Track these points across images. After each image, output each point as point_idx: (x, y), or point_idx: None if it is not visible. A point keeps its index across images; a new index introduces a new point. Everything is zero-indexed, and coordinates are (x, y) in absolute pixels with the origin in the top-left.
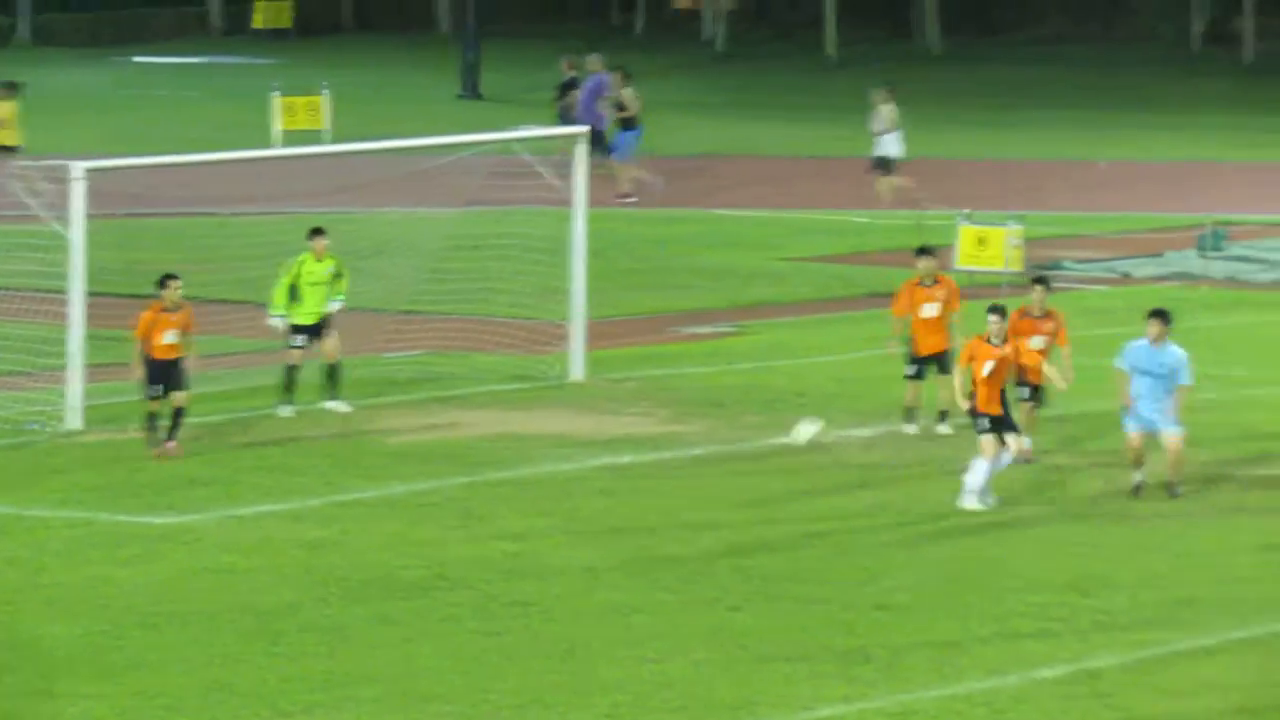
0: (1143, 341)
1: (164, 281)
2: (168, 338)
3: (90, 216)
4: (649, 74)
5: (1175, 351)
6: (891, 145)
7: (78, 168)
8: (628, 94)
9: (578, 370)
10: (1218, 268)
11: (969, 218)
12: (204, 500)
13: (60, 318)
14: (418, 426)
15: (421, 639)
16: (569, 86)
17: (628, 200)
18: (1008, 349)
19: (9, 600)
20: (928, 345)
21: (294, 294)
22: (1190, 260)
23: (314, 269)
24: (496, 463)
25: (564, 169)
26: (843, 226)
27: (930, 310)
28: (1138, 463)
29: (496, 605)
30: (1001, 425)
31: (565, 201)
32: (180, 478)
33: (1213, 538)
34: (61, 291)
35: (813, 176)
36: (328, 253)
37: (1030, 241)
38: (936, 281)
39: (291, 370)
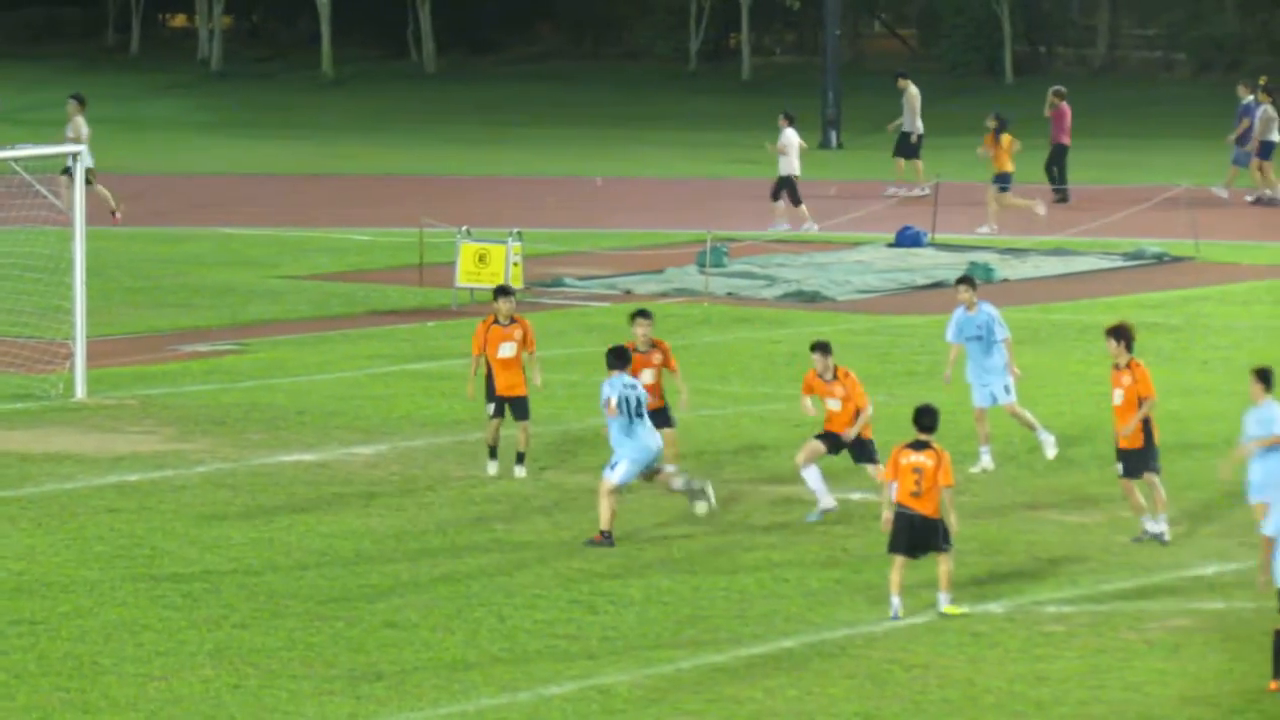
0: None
1: None
2: None
3: None
4: (145, 93)
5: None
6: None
7: None
8: None
9: (80, 389)
10: (718, 284)
11: (468, 235)
12: None
13: None
14: None
15: None
16: None
17: None
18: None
19: None
20: (504, 385)
21: None
22: (691, 276)
23: None
24: None
25: (62, 188)
26: (342, 244)
27: (507, 350)
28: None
29: (2, 624)
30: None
31: (64, 220)
32: None
33: (722, 556)
34: None
35: (312, 194)
36: None
37: (530, 258)
38: (513, 321)
39: None
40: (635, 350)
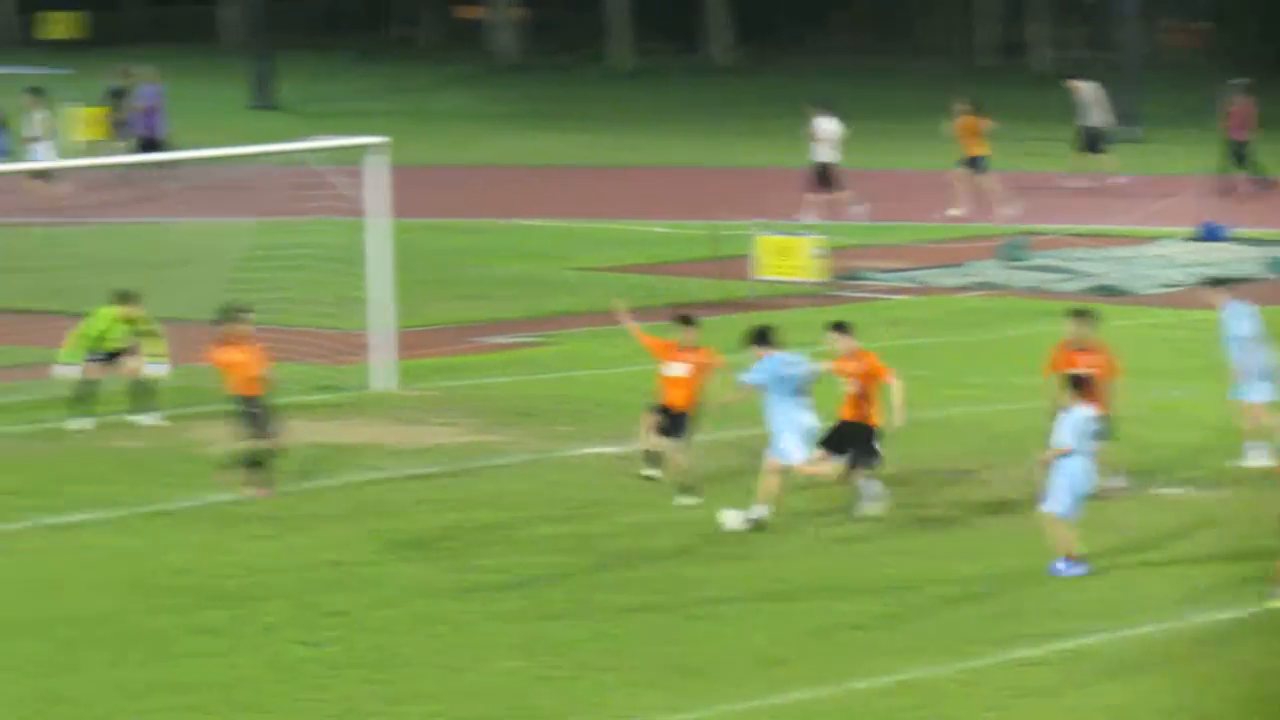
0: None
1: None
2: None
3: None
4: (434, 85)
5: None
6: (47, 152)
7: None
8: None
9: (383, 380)
10: (1019, 277)
11: (767, 228)
12: (19, 511)
13: None
14: (226, 437)
15: (240, 648)
16: (118, 95)
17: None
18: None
19: None
20: (669, 399)
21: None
22: (991, 270)
23: (115, 329)
24: (308, 472)
25: (357, 179)
26: (641, 236)
27: (677, 370)
28: None
29: (313, 615)
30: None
31: (360, 211)
32: None
33: (1032, 550)
34: None
35: (607, 187)
36: (135, 313)
37: (831, 251)
38: (694, 349)
39: (86, 384)
40: (1068, 347)
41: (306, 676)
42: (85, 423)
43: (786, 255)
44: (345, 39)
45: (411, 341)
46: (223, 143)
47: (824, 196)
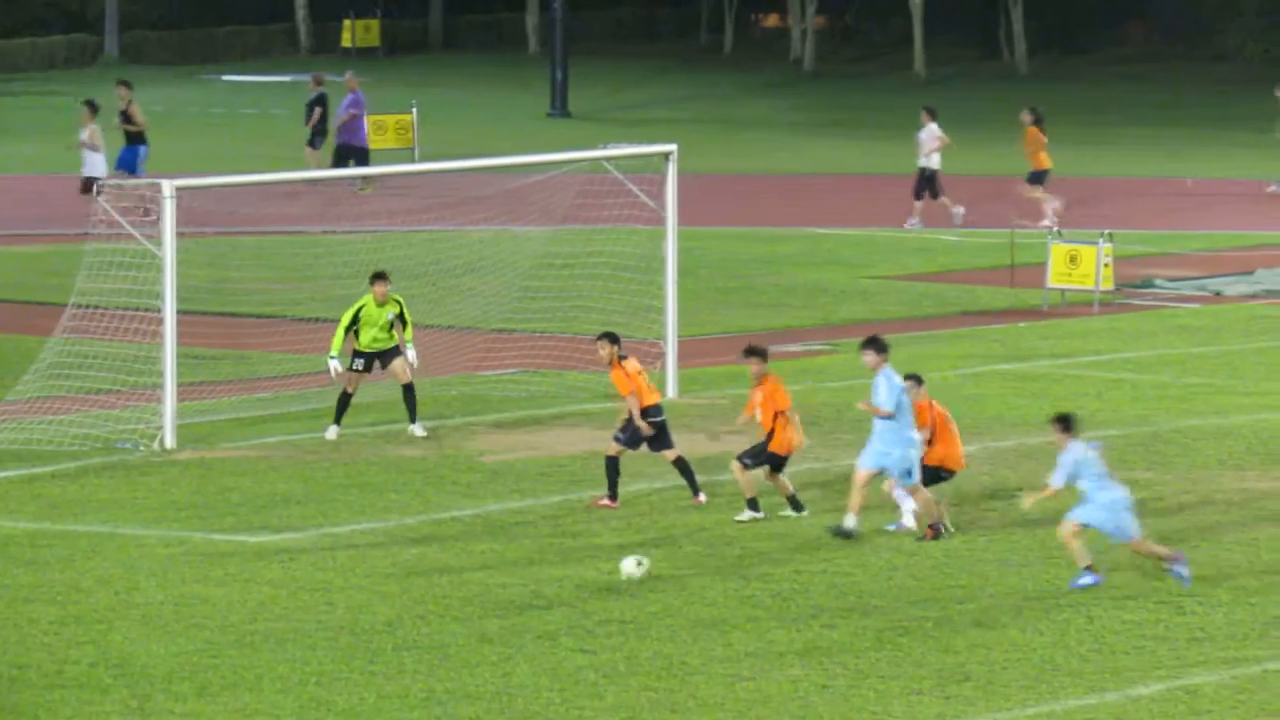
0: None
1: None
2: None
3: (180, 235)
4: (739, 93)
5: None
6: (96, 165)
7: (168, 186)
8: (136, 109)
9: (669, 388)
10: None
11: (1059, 236)
12: (299, 519)
13: (151, 336)
14: (511, 445)
15: (519, 657)
16: (316, 103)
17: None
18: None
19: (102, 619)
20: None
21: (353, 335)
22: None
23: (373, 313)
24: (590, 480)
25: (655, 187)
26: (932, 245)
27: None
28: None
29: (592, 623)
30: None
31: (656, 220)
32: (274, 496)
33: None
34: (152, 309)
35: (902, 194)
36: (391, 296)
37: (1121, 259)
38: (760, 382)
39: (345, 395)
40: None
41: (585, 685)
42: (333, 431)
43: (1076, 263)
44: (656, 47)
45: (701, 350)
46: (511, 151)
47: (924, 203)
